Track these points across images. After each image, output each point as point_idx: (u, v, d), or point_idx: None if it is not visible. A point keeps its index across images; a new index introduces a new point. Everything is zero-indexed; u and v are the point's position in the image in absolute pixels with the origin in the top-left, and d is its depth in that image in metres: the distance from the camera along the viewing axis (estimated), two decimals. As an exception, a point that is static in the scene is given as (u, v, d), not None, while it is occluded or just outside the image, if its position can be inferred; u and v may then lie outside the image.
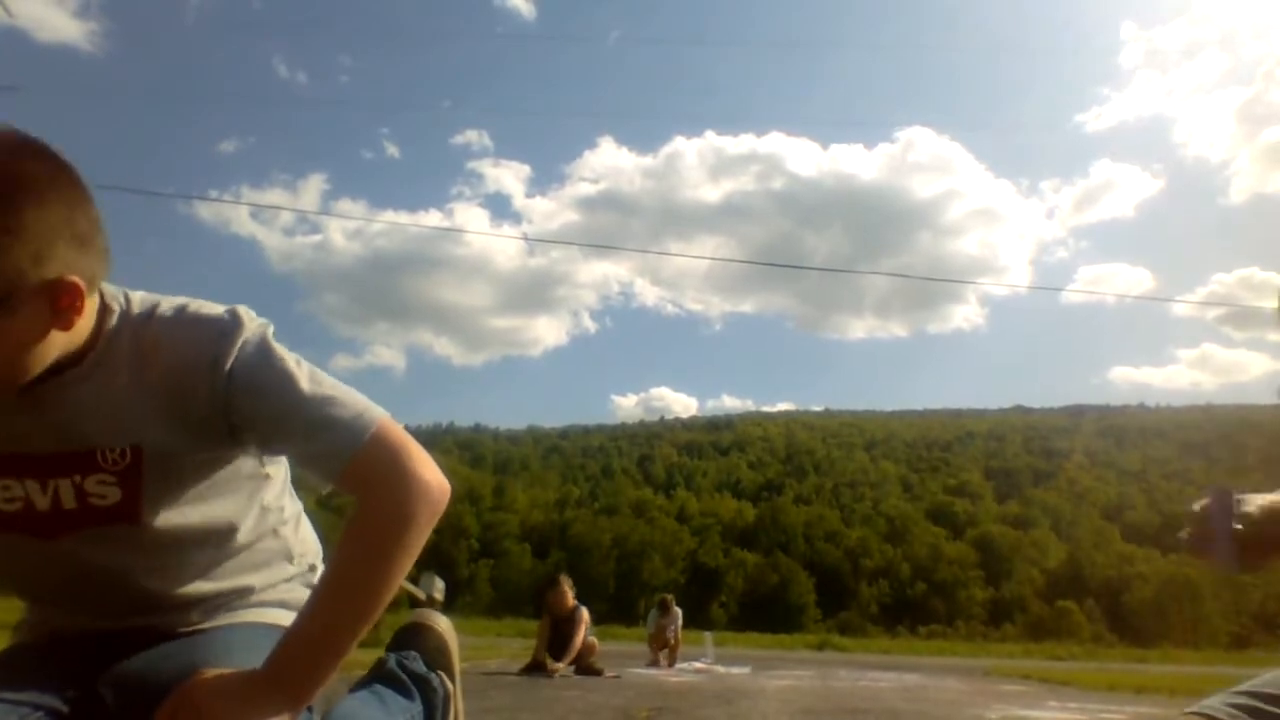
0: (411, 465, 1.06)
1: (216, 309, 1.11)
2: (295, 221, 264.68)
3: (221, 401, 1.06)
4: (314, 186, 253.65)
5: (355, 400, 1.09)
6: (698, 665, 12.36)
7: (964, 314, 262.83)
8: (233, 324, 1.09)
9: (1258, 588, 58.26)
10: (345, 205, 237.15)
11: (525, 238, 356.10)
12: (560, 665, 8.68)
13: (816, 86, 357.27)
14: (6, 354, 0.99)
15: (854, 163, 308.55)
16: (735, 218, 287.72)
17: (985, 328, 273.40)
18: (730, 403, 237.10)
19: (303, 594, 1.25)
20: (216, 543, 1.18)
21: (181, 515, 1.13)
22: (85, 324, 1.05)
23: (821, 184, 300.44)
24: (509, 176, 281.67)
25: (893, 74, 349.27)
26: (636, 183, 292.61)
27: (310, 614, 1.03)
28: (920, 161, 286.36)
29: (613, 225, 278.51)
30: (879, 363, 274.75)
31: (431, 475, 1.07)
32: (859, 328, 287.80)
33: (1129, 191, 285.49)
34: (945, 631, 68.34)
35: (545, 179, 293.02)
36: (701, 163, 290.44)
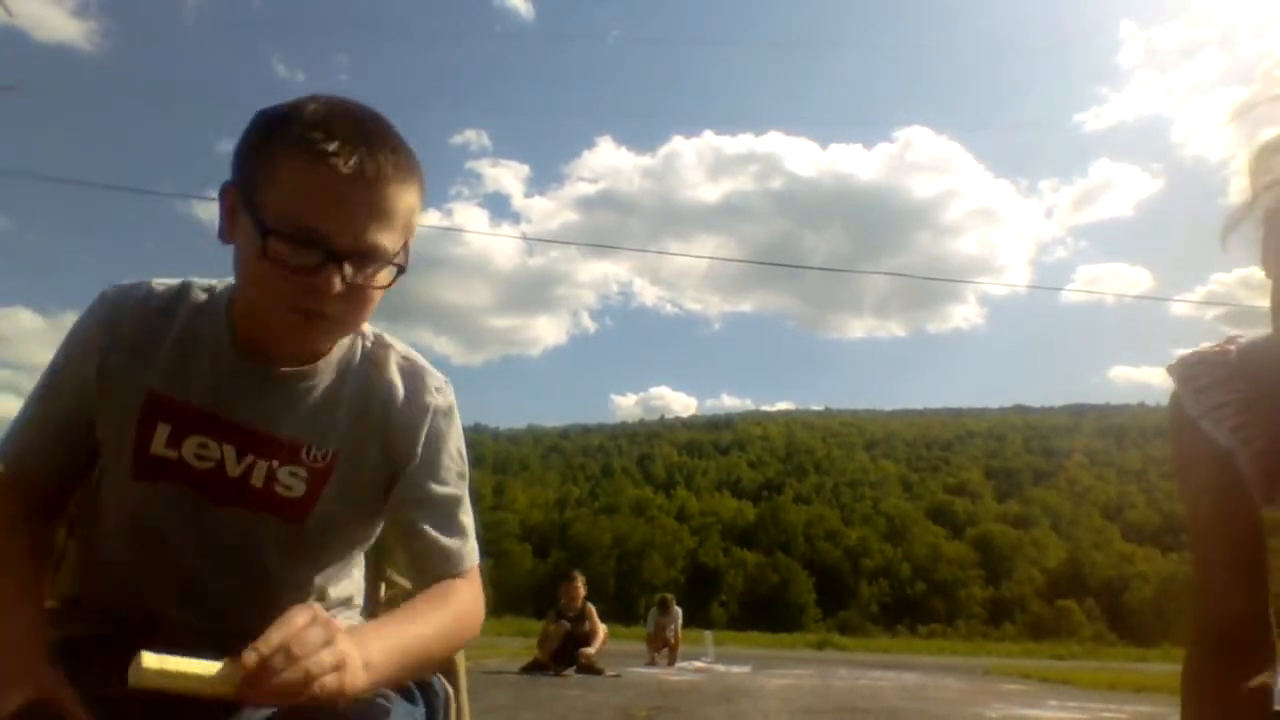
0: (481, 608, 1.15)
1: (436, 372, 1.19)
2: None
3: (406, 457, 1.13)
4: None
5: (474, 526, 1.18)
6: (698, 664, 12.37)
7: (963, 313, 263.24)
8: (447, 389, 1.19)
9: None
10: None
11: (524, 237, 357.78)
12: (592, 651, 8.78)
13: (815, 86, 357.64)
14: (371, 304, 1.07)
15: (853, 162, 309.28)
16: (734, 217, 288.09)
17: (985, 327, 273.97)
18: (730, 402, 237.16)
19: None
20: (335, 571, 1.21)
21: (334, 535, 1.17)
22: None
23: (820, 184, 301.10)
24: (508, 176, 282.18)
25: (892, 73, 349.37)
26: (635, 182, 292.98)
27: (401, 619, 1.03)
28: (919, 161, 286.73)
29: (612, 225, 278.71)
30: (878, 362, 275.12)
31: (480, 621, 1.16)
32: (858, 327, 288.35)
33: (1128, 191, 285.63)
34: (945, 631, 68.35)
35: (544, 179, 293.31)
36: (700, 162, 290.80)
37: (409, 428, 1.14)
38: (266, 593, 1.13)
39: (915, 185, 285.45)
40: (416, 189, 1.05)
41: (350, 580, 1.27)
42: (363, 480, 1.14)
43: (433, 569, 1.12)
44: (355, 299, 1.04)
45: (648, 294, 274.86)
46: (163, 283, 1.15)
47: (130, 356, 1.09)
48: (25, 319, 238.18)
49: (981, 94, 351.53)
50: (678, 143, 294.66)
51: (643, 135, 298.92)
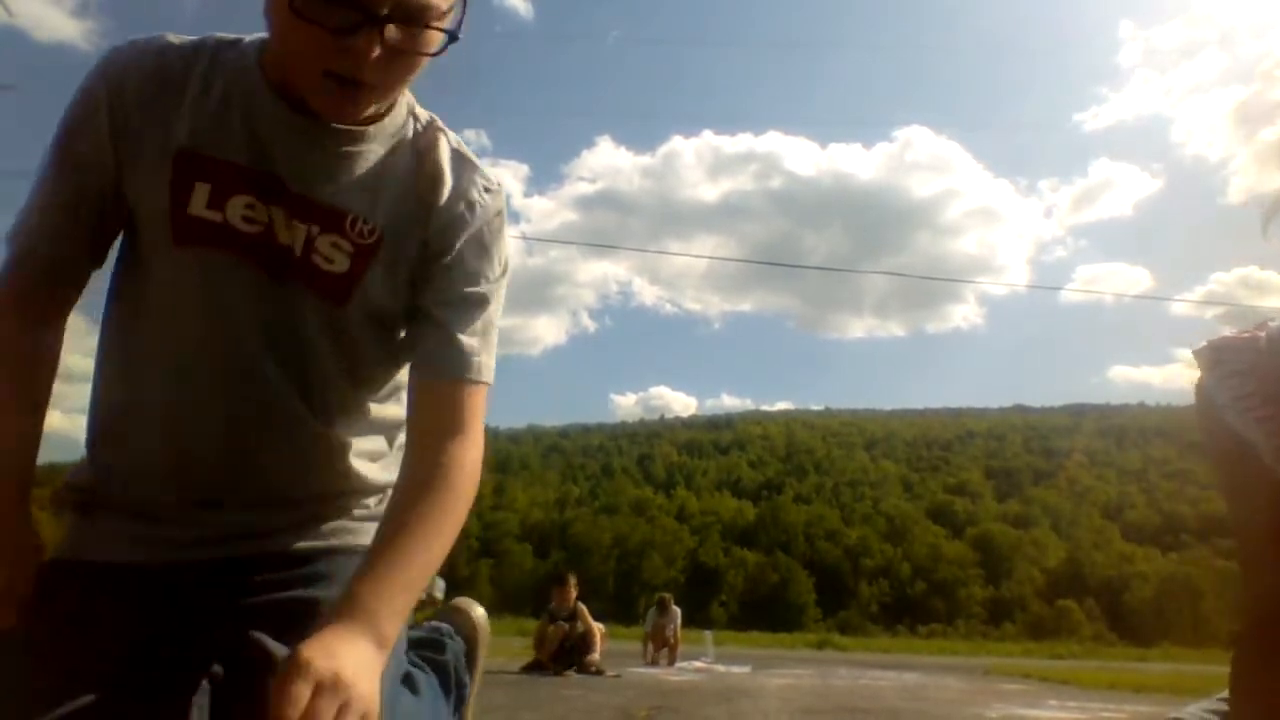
0: (482, 435, 1.06)
1: (489, 172, 1.10)
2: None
3: (443, 250, 1.04)
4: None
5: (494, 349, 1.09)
6: (698, 664, 12.36)
7: (963, 313, 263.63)
8: (499, 193, 1.09)
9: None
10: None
11: (524, 237, 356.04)
12: (597, 658, 8.84)
13: (814, 86, 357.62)
14: (413, 71, 0.97)
15: (852, 162, 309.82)
16: (734, 217, 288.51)
17: (984, 327, 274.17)
18: (729, 402, 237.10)
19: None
20: (380, 372, 1.11)
21: (376, 322, 1.05)
22: None
23: (820, 183, 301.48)
24: (507, 176, 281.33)
25: (891, 73, 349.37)
26: (635, 182, 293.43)
27: (398, 554, 0.93)
28: (919, 161, 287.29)
29: (611, 224, 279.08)
30: (878, 362, 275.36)
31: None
32: (858, 327, 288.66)
33: (1127, 191, 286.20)
34: (945, 631, 68.32)
35: (544, 178, 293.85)
36: (699, 162, 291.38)
37: (452, 221, 1.04)
38: (311, 387, 1.03)
39: (915, 185, 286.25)
40: None
41: (398, 405, 1.13)
42: (405, 270, 1.04)
43: (442, 368, 1.02)
44: (397, 65, 0.93)
45: (647, 294, 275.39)
46: (179, 37, 1.04)
47: (150, 114, 0.98)
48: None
49: (981, 94, 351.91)
50: (677, 142, 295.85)
51: (642, 135, 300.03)
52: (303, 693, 0.78)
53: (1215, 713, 0.84)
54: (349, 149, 1.01)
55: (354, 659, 0.83)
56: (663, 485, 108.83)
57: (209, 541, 1.02)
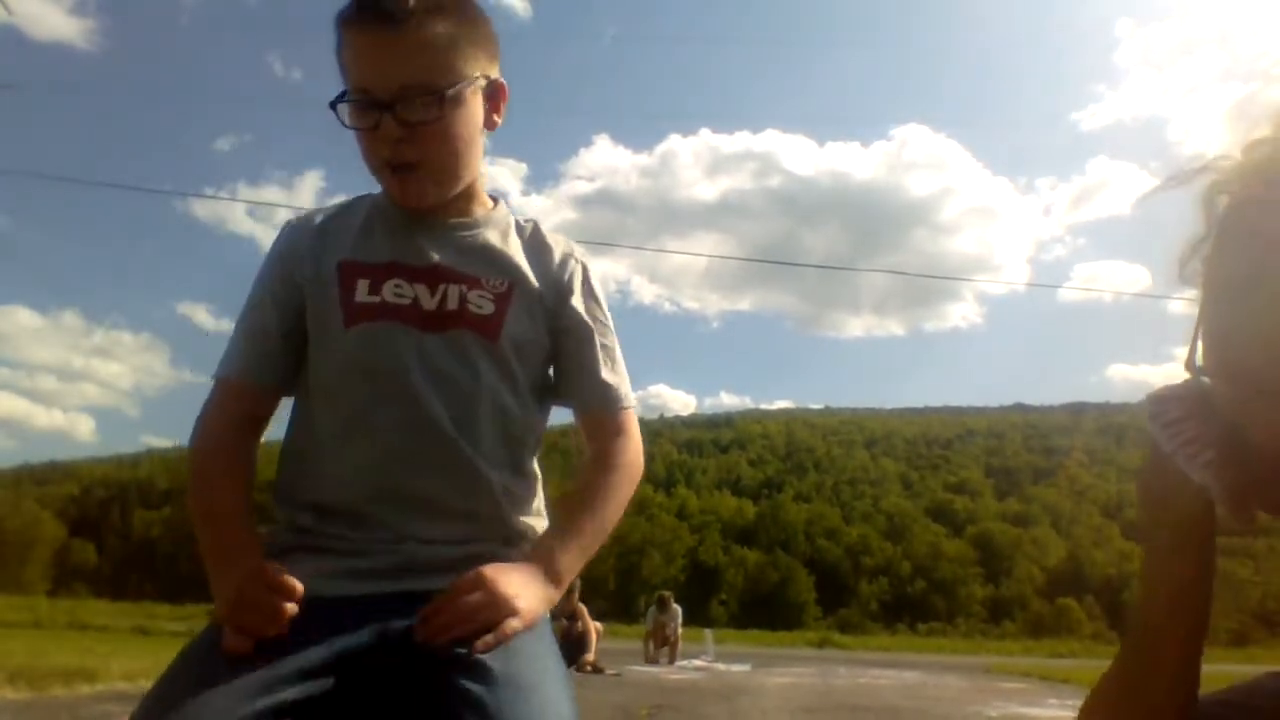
0: (641, 451, 1.30)
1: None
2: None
3: (563, 298, 1.27)
4: (310, 184, 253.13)
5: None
6: (698, 663, 12.38)
7: (961, 312, 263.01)
8: (589, 260, 1.34)
9: (1257, 585, 58.29)
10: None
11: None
12: (592, 657, 8.87)
13: (812, 84, 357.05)
14: (463, 137, 1.18)
15: (850, 160, 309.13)
16: (732, 216, 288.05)
17: (983, 326, 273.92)
18: (729, 400, 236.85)
19: None
20: (532, 423, 1.28)
21: (524, 356, 1.24)
22: (481, 164, 1.26)
23: (818, 182, 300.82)
24: (505, 174, 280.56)
25: (889, 72, 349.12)
26: (633, 181, 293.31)
27: (584, 523, 1.20)
28: (916, 159, 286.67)
29: (609, 223, 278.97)
30: (877, 361, 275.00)
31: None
32: (857, 325, 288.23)
33: (1125, 189, 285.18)
34: (945, 629, 68.32)
35: (541, 177, 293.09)
36: (697, 161, 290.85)
37: (568, 277, 1.28)
38: (474, 418, 1.20)
39: (913, 183, 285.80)
40: (448, 19, 1.13)
41: (532, 471, 1.32)
42: (537, 315, 1.25)
43: (591, 404, 1.27)
44: (425, 139, 1.15)
45: (646, 292, 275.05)
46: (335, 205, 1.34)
47: (319, 248, 1.24)
48: (23, 317, 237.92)
49: (979, 92, 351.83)
50: (675, 141, 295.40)
51: (640, 134, 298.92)
52: (464, 588, 1.05)
53: (1201, 714, 0.86)
54: (466, 234, 1.26)
55: (521, 577, 1.10)
56: (662, 483, 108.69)
57: (387, 574, 1.15)
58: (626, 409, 1.28)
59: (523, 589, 1.08)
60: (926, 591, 79.88)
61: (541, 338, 1.26)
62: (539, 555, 1.16)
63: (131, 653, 8.64)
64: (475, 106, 1.19)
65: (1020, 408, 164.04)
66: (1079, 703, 0.89)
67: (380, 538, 1.16)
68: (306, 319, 1.23)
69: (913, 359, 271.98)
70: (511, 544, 1.23)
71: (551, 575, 1.14)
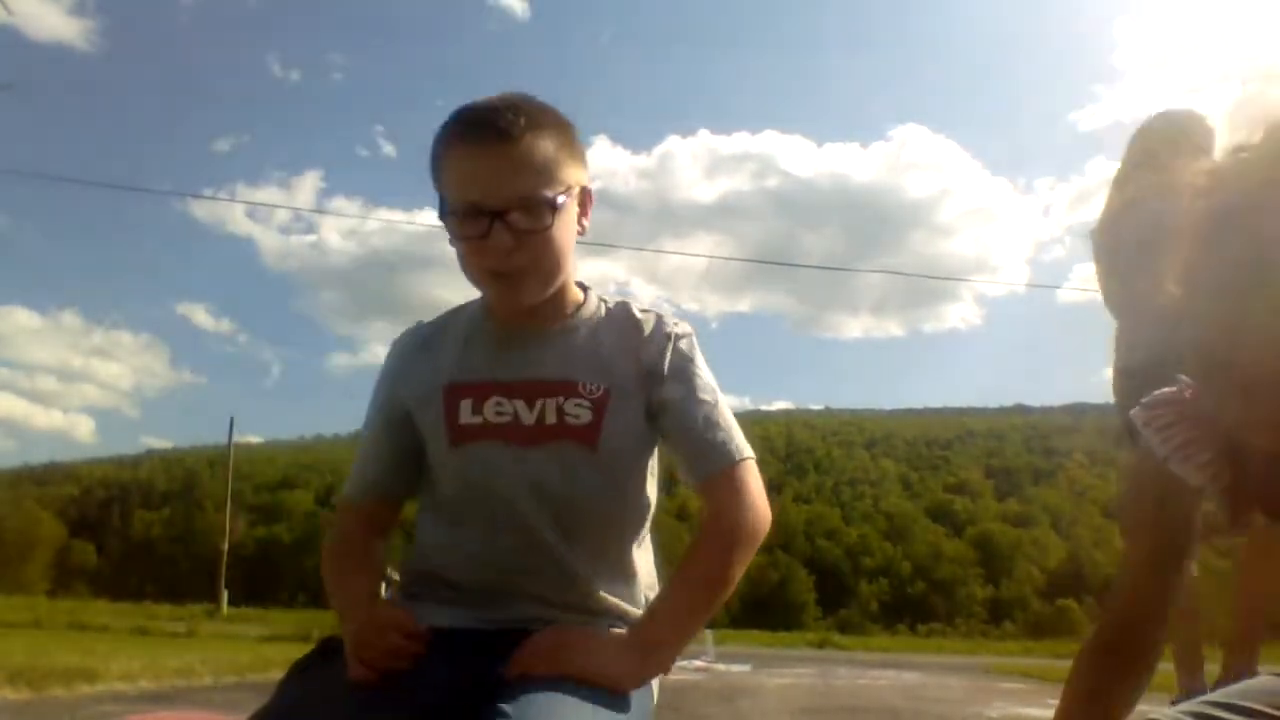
0: (763, 496, 1.31)
1: (675, 317, 1.39)
2: (291, 219, 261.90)
3: (660, 378, 1.30)
4: (309, 184, 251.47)
5: (739, 427, 1.34)
6: (698, 663, 12.36)
7: (960, 313, 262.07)
8: (685, 323, 1.37)
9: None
10: (341, 203, 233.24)
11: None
12: None
13: (810, 85, 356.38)
14: (565, 242, 1.25)
15: (849, 161, 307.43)
16: (730, 217, 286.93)
17: (982, 326, 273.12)
18: (729, 401, 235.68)
19: None
20: (635, 516, 1.37)
21: (624, 457, 1.31)
22: (573, 263, 1.32)
23: (816, 183, 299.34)
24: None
25: (887, 73, 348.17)
26: (631, 182, 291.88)
27: (678, 595, 1.27)
28: (915, 160, 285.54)
29: (608, 224, 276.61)
30: (876, 361, 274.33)
31: (768, 509, 1.31)
32: (855, 326, 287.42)
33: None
34: (945, 630, 68.31)
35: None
36: (696, 162, 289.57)
37: (659, 353, 1.31)
38: (579, 525, 1.28)
39: (911, 184, 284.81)
40: (551, 136, 1.22)
41: (642, 550, 1.41)
42: (635, 407, 1.30)
43: (703, 467, 1.29)
44: (530, 247, 1.22)
45: (645, 293, 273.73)
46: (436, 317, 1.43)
47: (425, 370, 1.34)
48: (22, 317, 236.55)
49: (977, 93, 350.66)
50: (673, 142, 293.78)
51: (638, 134, 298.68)
52: (545, 641, 1.15)
53: (1195, 714, 0.87)
54: (561, 336, 1.32)
55: (604, 640, 1.20)
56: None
57: (496, 620, 1.28)
58: (736, 462, 1.29)
59: (606, 647, 1.18)
60: (926, 592, 79.88)
61: (642, 429, 1.31)
62: (639, 631, 1.24)
63: (131, 653, 8.63)
64: (573, 212, 1.28)
65: (1020, 408, 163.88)
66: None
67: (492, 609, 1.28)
68: (419, 433, 1.33)
69: (912, 360, 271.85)
70: (616, 629, 1.30)
71: (642, 642, 1.21)
